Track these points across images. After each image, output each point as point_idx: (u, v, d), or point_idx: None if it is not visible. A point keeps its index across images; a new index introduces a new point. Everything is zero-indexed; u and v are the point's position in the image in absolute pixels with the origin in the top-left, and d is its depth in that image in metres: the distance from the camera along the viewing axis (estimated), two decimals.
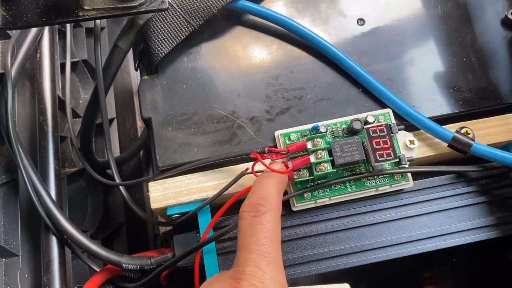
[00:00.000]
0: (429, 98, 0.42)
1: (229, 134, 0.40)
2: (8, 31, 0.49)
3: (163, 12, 0.41)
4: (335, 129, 0.39)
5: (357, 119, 0.38)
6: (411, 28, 0.44)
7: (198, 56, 0.43)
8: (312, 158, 0.36)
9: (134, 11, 0.37)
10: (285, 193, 0.38)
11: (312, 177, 0.37)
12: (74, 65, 0.62)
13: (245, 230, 0.30)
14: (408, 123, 0.40)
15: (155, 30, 0.41)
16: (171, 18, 0.41)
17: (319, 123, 0.38)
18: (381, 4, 0.45)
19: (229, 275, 0.29)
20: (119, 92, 0.72)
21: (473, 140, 0.39)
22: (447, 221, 0.39)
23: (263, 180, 0.33)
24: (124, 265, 0.42)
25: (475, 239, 0.39)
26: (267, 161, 0.38)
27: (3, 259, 0.44)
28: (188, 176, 0.39)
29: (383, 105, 0.41)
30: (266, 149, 0.36)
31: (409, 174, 0.39)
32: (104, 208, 0.61)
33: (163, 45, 0.41)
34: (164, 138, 0.40)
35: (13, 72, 0.47)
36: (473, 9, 0.45)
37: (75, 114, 0.59)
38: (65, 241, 0.44)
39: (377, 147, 0.36)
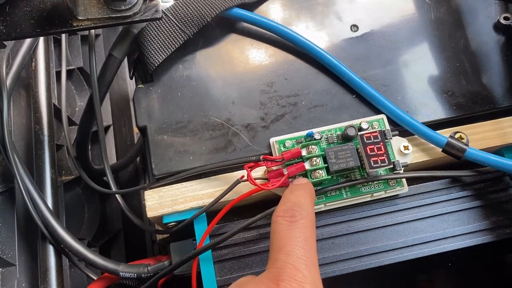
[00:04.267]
0: (423, 104, 0.42)
1: (224, 142, 0.40)
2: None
3: (157, 21, 0.41)
4: (329, 135, 0.39)
5: (351, 126, 0.38)
6: (405, 34, 0.44)
7: (192, 64, 0.43)
8: (307, 165, 0.37)
9: (128, 20, 0.37)
10: None
11: None
12: (69, 73, 0.62)
13: (282, 233, 0.29)
14: (402, 129, 0.40)
15: (149, 39, 0.41)
16: (165, 27, 0.41)
17: (314, 130, 0.39)
18: (374, 10, 0.45)
19: (266, 276, 0.28)
20: (115, 99, 0.72)
21: (467, 145, 0.39)
22: (442, 226, 0.39)
23: (296, 192, 0.33)
24: (121, 273, 0.42)
25: (471, 243, 0.39)
26: (262, 169, 0.38)
27: (0, 269, 0.44)
28: (184, 184, 0.40)
29: (378, 111, 0.41)
30: (261, 157, 0.36)
31: (403, 180, 0.39)
32: (101, 215, 0.61)
33: (157, 53, 0.41)
34: (160, 146, 0.40)
35: (8, 81, 0.47)
36: (465, 14, 0.45)
37: (71, 122, 0.59)
38: (62, 250, 0.44)
39: (371, 153, 0.36)
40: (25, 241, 0.46)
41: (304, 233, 0.29)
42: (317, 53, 0.42)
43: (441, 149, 0.39)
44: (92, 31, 0.46)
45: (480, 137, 0.41)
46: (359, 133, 0.37)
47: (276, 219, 0.31)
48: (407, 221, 0.39)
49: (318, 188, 0.38)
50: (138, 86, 0.42)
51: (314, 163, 0.36)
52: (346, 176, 0.38)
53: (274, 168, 0.37)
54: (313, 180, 0.36)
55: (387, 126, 0.40)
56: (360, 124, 0.38)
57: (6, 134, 0.44)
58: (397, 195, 0.40)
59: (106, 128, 0.68)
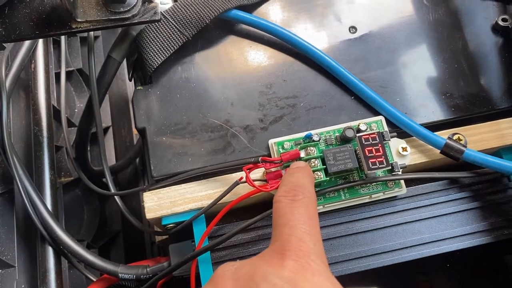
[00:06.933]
0: (421, 105, 0.42)
1: (223, 143, 0.41)
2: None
3: (156, 23, 0.41)
4: (328, 137, 0.39)
5: (349, 127, 0.38)
6: (403, 36, 0.44)
7: (191, 66, 0.43)
8: None
9: (127, 22, 0.37)
10: None
11: None
12: (69, 74, 0.62)
13: (285, 211, 0.29)
14: (400, 130, 0.40)
15: (148, 40, 0.41)
16: (164, 29, 0.41)
17: (312, 132, 0.39)
18: (372, 12, 0.45)
19: (270, 249, 0.27)
20: (114, 100, 0.72)
21: (465, 146, 0.39)
22: (440, 227, 0.39)
23: (295, 174, 0.33)
24: (120, 274, 0.42)
25: (469, 245, 0.39)
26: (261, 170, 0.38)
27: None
28: (183, 185, 0.40)
29: (376, 113, 0.41)
30: (259, 158, 0.36)
31: (402, 181, 0.39)
32: (101, 217, 0.61)
33: (156, 55, 0.41)
34: (159, 148, 0.40)
35: (7, 83, 0.47)
36: (464, 16, 0.45)
37: (70, 124, 0.60)
38: (61, 251, 0.44)
39: (369, 155, 0.36)
40: (24, 243, 0.46)
41: (307, 210, 0.29)
42: (315, 55, 0.42)
43: (439, 151, 0.39)
44: (91, 33, 0.46)
45: (478, 139, 0.41)
46: (358, 134, 0.37)
47: (278, 199, 0.30)
48: (405, 222, 0.39)
49: (317, 189, 0.38)
50: (137, 88, 0.42)
51: (313, 164, 0.37)
52: (345, 178, 0.38)
53: (272, 169, 0.38)
54: None
55: (386, 128, 0.40)
56: (358, 125, 0.39)
57: (5, 136, 0.44)
58: (395, 196, 0.40)
59: (105, 130, 0.68)
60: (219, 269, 0.27)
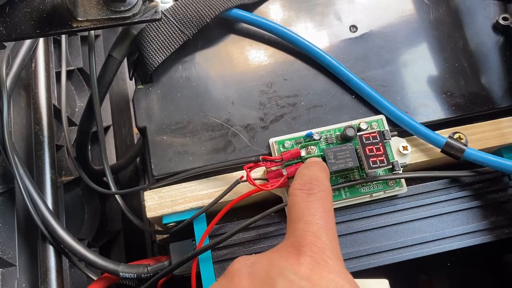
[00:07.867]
0: (422, 104, 0.42)
1: (224, 142, 0.41)
2: None
3: (156, 22, 0.41)
4: (328, 136, 0.39)
5: (350, 126, 0.38)
6: (404, 34, 0.44)
7: (192, 65, 0.43)
8: None
9: (127, 21, 0.37)
10: (280, 201, 0.38)
11: None
12: (69, 73, 0.62)
13: (300, 204, 0.29)
14: (401, 129, 0.40)
15: (149, 39, 0.41)
16: (164, 28, 0.41)
17: (313, 130, 0.39)
18: (373, 11, 0.45)
19: (285, 244, 0.27)
20: (115, 99, 0.72)
21: (465, 145, 0.39)
22: (441, 226, 0.39)
23: (311, 167, 0.33)
24: (121, 273, 0.42)
25: (469, 243, 0.39)
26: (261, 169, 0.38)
27: (0, 269, 0.44)
28: (184, 184, 0.40)
29: (377, 111, 0.41)
30: (260, 157, 0.36)
31: (402, 180, 0.39)
32: (101, 216, 0.61)
33: (157, 54, 0.41)
34: (159, 147, 0.40)
35: (8, 82, 0.47)
36: (464, 15, 0.45)
37: (71, 123, 0.60)
38: (62, 250, 0.44)
39: (370, 154, 0.36)
40: (25, 242, 0.46)
41: (323, 204, 0.29)
42: (316, 54, 0.42)
43: (440, 150, 0.39)
44: (92, 32, 0.46)
45: (479, 137, 0.41)
46: (358, 133, 0.37)
47: (293, 192, 0.30)
48: (406, 221, 0.39)
49: None
50: (138, 87, 0.42)
51: None
52: (345, 177, 0.38)
53: (273, 168, 0.38)
54: None
55: (386, 127, 0.40)
56: (359, 124, 0.39)
57: (6, 135, 0.44)
58: (396, 195, 0.40)
59: (106, 129, 0.68)
60: (235, 262, 0.27)
